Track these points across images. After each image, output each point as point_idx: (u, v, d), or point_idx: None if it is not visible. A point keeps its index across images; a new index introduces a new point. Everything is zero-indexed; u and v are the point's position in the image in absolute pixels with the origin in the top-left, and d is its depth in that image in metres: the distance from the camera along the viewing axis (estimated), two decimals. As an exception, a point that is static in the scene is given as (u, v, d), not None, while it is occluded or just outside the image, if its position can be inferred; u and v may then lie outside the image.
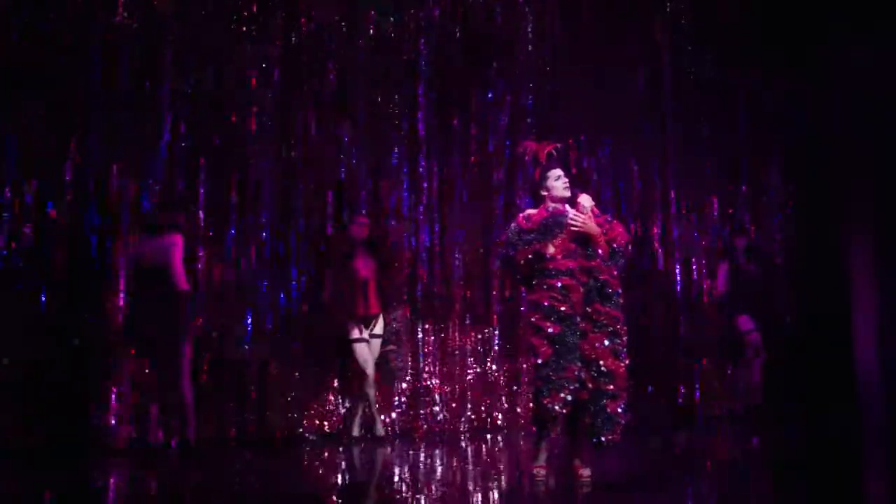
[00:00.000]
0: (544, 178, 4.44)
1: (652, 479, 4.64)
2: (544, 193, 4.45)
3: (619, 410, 4.17)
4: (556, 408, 4.12)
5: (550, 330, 4.14)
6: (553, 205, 4.41)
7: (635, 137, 8.36)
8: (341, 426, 6.91)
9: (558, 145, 4.59)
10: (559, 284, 4.18)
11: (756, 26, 8.50)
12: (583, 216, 4.28)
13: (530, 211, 4.47)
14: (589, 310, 4.22)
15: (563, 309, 4.16)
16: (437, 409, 7.36)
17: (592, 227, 4.28)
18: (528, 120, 7.98)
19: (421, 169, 7.65)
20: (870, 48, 7.56)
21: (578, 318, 4.20)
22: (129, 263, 6.01)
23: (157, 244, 5.81)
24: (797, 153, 8.57)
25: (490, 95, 7.93)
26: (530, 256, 4.28)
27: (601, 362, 4.15)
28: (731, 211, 8.66)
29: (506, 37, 8.07)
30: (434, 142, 7.72)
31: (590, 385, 4.15)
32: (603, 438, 4.14)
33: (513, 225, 4.43)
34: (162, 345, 5.80)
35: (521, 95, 8.05)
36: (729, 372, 8.23)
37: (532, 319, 4.25)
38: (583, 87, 8.13)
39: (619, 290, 4.28)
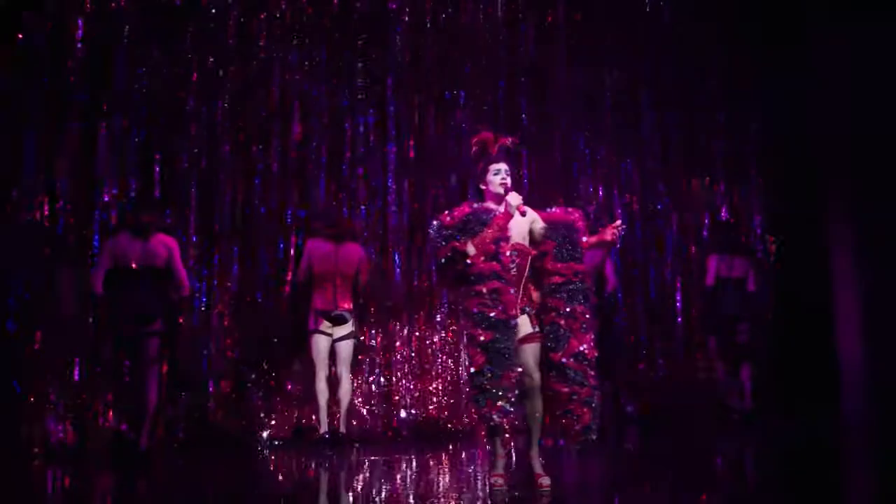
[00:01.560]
0: (485, 170, 4.25)
1: (614, 485, 4.55)
2: (483, 187, 4.27)
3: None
4: (495, 417, 3.96)
5: (482, 338, 3.95)
6: (488, 202, 4.21)
7: (614, 130, 8.17)
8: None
9: (511, 139, 4.39)
10: (484, 290, 3.98)
11: (737, 15, 8.30)
12: (622, 227, 4.12)
13: (458, 208, 4.23)
14: (568, 309, 4.07)
15: (492, 315, 3.96)
16: (403, 412, 7.19)
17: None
18: (501, 113, 7.80)
19: (390, 165, 7.50)
20: (851, 39, 7.37)
21: (513, 322, 4.03)
22: (106, 262, 5.63)
23: (146, 245, 5.61)
24: (777, 146, 8.35)
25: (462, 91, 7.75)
26: (450, 254, 4.06)
27: (596, 359, 4.08)
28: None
29: (481, 29, 7.89)
30: (403, 130, 7.55)
31: (591, 382, 4.04)
32: (592, 437, 4.04)
33: (435, 222, 4.19)
34: (149, 345, 5.60)
35: (494, 89, 7.86)
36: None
37: (466, 330, 4.07)
38: (559, 78, 7.94)
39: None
